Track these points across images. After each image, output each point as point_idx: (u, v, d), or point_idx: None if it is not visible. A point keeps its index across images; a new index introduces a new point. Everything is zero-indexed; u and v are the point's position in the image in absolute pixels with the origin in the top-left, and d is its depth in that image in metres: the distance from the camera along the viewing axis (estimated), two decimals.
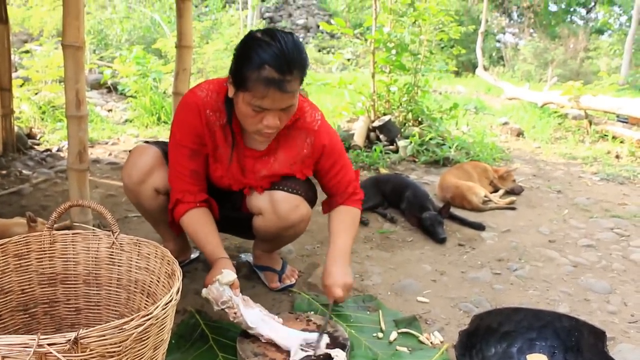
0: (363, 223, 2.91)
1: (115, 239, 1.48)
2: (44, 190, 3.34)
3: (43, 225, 2.09)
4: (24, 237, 1.47)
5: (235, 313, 1.55)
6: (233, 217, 1.98)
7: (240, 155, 1.80)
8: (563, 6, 24.25)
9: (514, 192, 3.70)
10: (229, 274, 1.57)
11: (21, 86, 5.71)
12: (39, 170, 3.76)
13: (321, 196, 1.98)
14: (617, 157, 5.37)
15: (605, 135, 6.28)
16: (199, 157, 1.78)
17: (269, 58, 1.50)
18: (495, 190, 3.68)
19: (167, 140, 1.85)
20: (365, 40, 5.19)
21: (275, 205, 1.81)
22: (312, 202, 1.91)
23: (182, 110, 1.76)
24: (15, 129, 4.26)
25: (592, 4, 25.47)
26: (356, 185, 1.93)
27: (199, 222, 1.79)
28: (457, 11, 17.99)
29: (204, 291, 1.57)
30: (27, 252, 1.47)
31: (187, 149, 1.75)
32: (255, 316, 1.58)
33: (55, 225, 1.48)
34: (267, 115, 1.58)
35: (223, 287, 1.55)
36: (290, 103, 1.59)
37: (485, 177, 3.71)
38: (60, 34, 7.77)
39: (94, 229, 1.57)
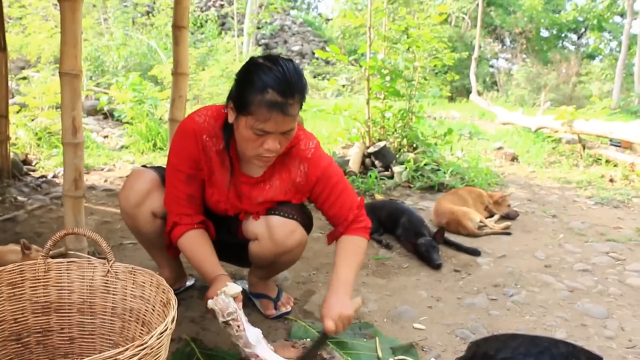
0: None
1: (110, 267, 1.48)
2: (38, 217, 3.33)
3: (37, 252, 2.08)
4: (18, 266, 1.46)
5: (238, 326, 1.54)
6: (229, 242, 1.98)
7: (237, 181, 1.81)
8: (554, 32, 24.67)
9: (509, 217, 3.70)
10: (234, 287, 1.57)
11: (18, 112, 5.73)
12: (34, 197, 3.75)
13: (316, 224, 1.98)
14: (611, 180, 5.40)
15: (599, 159, 6.32)
16: (195, 181, 1.79)
17: (272, 82, 1.53)
18: (491, 216, 3.69)
19: (164, 165, 1.86)
20: (360, 66, 5.24)
21: (271, 231, 1.81)
22: (307, 227, 1.91)
23: (179, 136, 1.77)
24: (11, 155, 4.26)
25: (583, 29, 25.89)
26: (359, 212, 1.90)
27: (197, 243, 1.79)
28: (451, 37, 18.27)
29: (210, 302, 1.55)
30: (22, 280, 1.46)
31: (183, 174, 1.77)
32: (256, 335, 1.58)
33: (50, 253, 1.48)
34: (268, 139, 1.60)
35: (229, 299, 1.54)
36: (291, 127, 1.62)
37: (480, 202, 3.72)
38: (57, 61, 7.82)
39: (89, 257, 1.56)
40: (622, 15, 22.06)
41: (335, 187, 1.85)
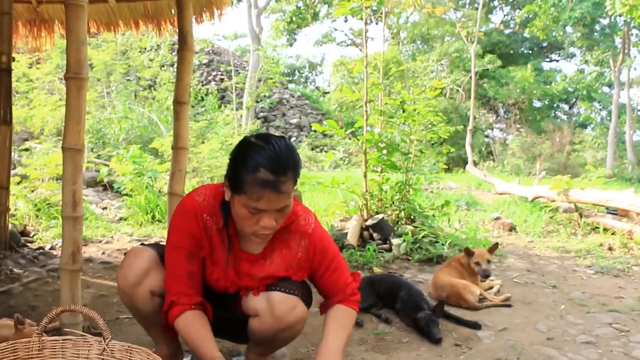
0: (357, 324, 2.86)
1: (106, 345, 1.46)
2: (34, 290, 3.29)
3: (31, 327, 2.05)
4: (11, 344, 1.44)
5: None
6: (227, 319, 1.95)
7: (237, 258, 1.82)
8: (546, 102, 25.34)
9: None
10: None
11: (18, 184, 5.77)
12: (30, 269, 3.72)
13: (317, 297, 1.97)
14: (610, 249, 5.39)
15: (596, 227, 6.32)
16: (196, 259, 1.80)
17: (264, 161, 1.57)
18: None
19: (162, 242, 1.87)
20: (357, 140, 5.33)
21: (272, 306, 1.80)
22: (308, 303, 1.91)
23: (180, 215, 1.80)
24: (10, 226, 4.26)
25: (574, 100, 26.61)
26: (354, 287, 1.95)
27: (194, 325, 1.77)
28: (446, 109, 18.70)
29: None
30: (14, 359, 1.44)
31: (184, 251, 1.78)
32: None
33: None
34: (264, 217, 1.63)
35: None
36: (286, 203, 1.64)
37: (473, 273, 3.67)
38: (60, 133, 7.95)
39: (84, 335, 1.54)
40: (610, 85, 22.79)
41: (332, 262, 1.89)
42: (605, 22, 18.84)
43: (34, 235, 4.84)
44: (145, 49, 14.86)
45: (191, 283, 1.79)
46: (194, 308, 1.78)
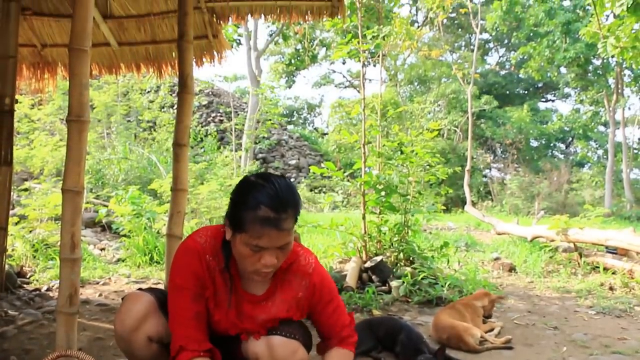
0: None
1: None
2: (29, 333, 3.25)
3: None
4: None
5: None
6: None
7: (239, 300, 1.82)
8: (543, 142, 25.57)
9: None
10: None
11: (16, 224, 5.75)
12: (26, 311, 3.68)
13: (315, 339, 1.96)
14: (611, 288, 5.35)
15: (596, 266, 6.28)
16: (201, 299, 1.79)
17: (264, 199, 1.60)
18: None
19: (158, 286, 1.86)
20: (356, 181, 5.36)
21: (272, 351, 1.79)
22: (308, 347, 1.90)
23: (183, 256, 1.80)
24: (6, 267, 4.23)
25: (570, 139, 26.87)
26: (350, 329, 1.94)
27: None
28: (444, 149, 18.85)
29: None
30: None
31: (189, 292, 1.77)
32: None
33: None
34: (265, 255, 1.64)
35: None
36: (287, 241, 1.66)
37: (477, 315, 3.65)
38: (60, 173, 7.96)
39: None
40: (605, 124, 23.08)
41: (331, 303, 1.90)
42: (598, 62, 19.21)
43: (30, 277, 4.80)
44: (146, 90, 15.05)
45: (198, 325, 1.77)
46: (202, 355, 1.75)
